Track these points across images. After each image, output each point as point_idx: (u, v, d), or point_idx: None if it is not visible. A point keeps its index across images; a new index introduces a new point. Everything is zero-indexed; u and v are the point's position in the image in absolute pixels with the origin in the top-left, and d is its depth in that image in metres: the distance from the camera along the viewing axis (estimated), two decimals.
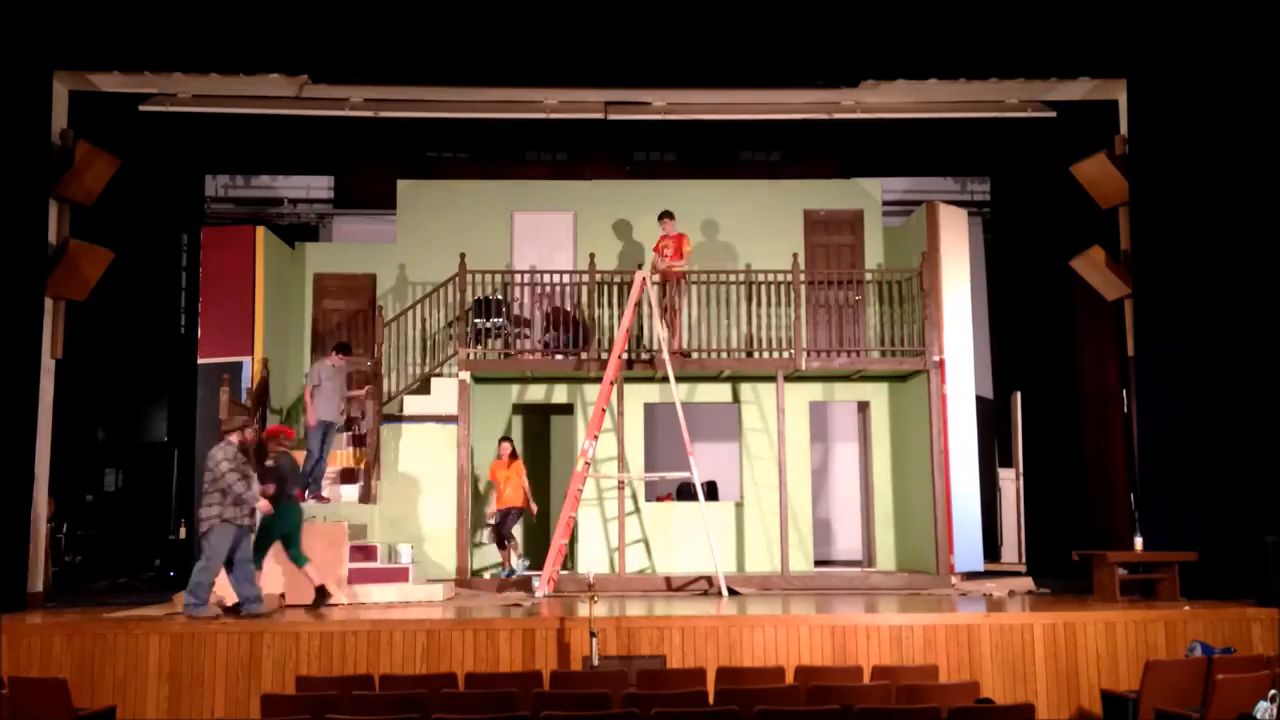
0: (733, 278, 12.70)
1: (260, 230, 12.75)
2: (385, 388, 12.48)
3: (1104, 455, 13.64)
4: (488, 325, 12.47)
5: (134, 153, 11.38)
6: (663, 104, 12.04)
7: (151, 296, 14.38)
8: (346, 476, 11.45)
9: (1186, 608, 8.98)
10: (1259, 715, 6.01)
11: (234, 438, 9.34)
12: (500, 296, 12.59)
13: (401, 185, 13.83)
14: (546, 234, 13.65)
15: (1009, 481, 13.42)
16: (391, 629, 8.42)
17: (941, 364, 12.10)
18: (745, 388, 13.12)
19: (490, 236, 13.51)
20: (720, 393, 13.24)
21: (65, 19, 10.26)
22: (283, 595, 9.94)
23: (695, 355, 12.46)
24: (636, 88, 11.77)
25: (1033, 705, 6.16)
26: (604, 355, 12.12)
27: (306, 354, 13.45)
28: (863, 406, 13.79)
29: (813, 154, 15.15)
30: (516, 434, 13.76)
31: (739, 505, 13.00)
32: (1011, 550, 12.43)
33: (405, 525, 12.07)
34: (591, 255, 12.42)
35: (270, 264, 12.72)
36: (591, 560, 12.27)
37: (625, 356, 11.89)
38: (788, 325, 12.42)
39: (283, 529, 9.72)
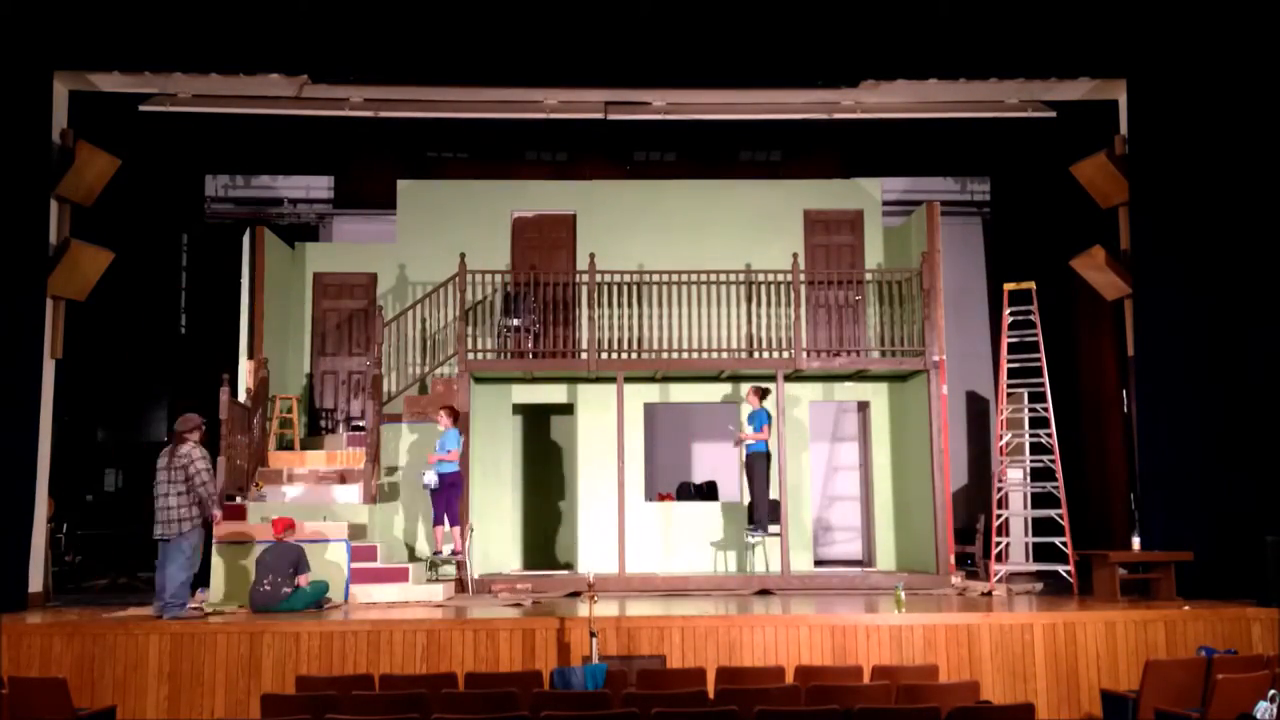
0: (733, 278, 12.70)
1: (261, 230, 12.76)
2: (385, 388, 12.47)
3: (1104, 455, 13.65)
4: (514, 323, 12.42)
5: (134, 153, 11.38)
6: (663, 104, 12.03)
7: (151, 296, 14.38)
8: (346, 477, 11.43)
9: (1186, 607, 8.98)
10: (1259, 715, 6.00)
11: (197, 435, 9.37)
12: (528, 293, 12.55)
13: (401, 185, 13.81)
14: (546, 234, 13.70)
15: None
16: (391, 629, 8.43)
17: (941, 364, 12.09)
18: (745, 388, 13.10)
19: (490, 236, 13.52)
20: (720, 393, 13.23)
21: (65, 19, 10.26)
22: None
23: (688, 355, 12.46)
24: (636, 88, 11.76)
25: (1033, 705, 6.15)
26: (604, 355, 12.15)
27: (306, 354, 13.47)
28: (863, 406, 13.78)
29: (813, 154, 15.14)
30: (516, 434, 13.76)
31: (739, 505, 13.00)
32: (1019, 549, 12.38)
33: (405, 526, 12.08)
34: (591, 255, 12.42)
35: (270, 264, 12.72)
36: (592, 560, 12.28)
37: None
38: (788, 325, 12.41)
39: None
